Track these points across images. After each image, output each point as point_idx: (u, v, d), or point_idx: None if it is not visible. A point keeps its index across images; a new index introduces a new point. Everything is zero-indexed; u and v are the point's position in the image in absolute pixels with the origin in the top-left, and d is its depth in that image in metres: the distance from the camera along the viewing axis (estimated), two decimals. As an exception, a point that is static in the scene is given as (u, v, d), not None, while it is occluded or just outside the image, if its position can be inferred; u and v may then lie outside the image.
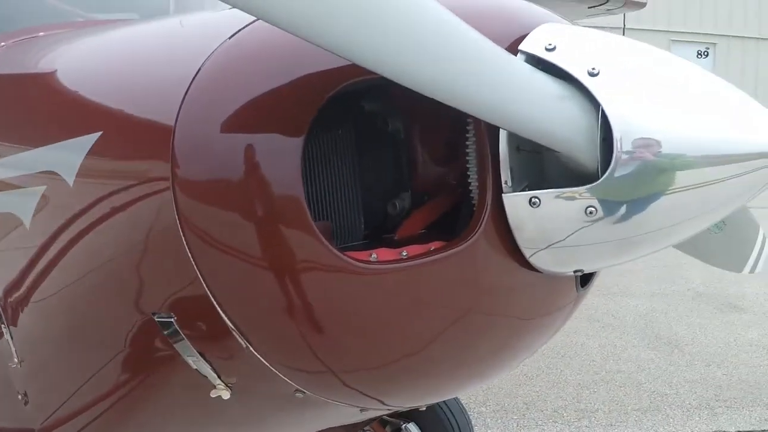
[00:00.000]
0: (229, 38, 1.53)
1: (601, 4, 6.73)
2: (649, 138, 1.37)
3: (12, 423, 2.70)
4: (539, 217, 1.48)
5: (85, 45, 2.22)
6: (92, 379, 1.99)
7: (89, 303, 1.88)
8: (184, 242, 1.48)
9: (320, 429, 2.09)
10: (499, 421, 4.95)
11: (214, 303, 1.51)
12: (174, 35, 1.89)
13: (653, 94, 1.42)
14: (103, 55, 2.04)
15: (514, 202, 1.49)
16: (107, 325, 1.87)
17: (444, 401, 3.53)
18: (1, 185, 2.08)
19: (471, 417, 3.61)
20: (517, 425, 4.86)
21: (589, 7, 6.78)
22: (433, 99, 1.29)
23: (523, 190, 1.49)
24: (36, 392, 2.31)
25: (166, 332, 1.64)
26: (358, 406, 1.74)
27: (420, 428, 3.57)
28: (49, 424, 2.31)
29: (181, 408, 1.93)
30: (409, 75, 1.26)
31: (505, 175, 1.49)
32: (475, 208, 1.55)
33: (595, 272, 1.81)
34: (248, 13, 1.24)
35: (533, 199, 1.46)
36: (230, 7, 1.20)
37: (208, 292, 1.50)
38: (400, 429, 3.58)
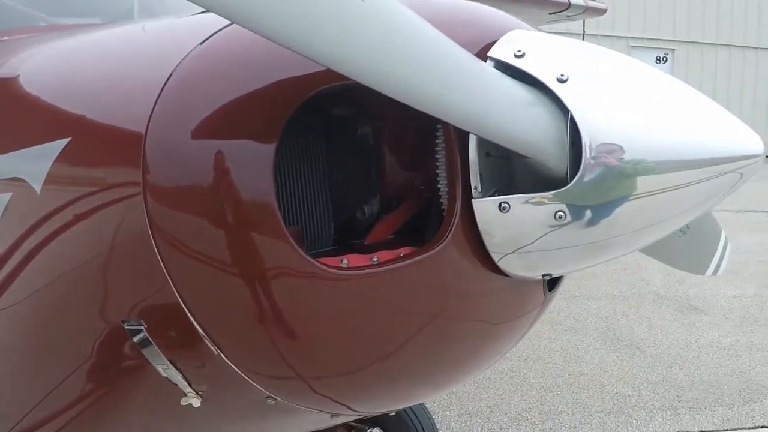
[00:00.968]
0: (201, 44, 1.53)
1: (561, 11, 6.79)
2: (613, 143, 1.39)
3: None
4: (509, 222, 1.49)
5: (51, 49, 2.20)
6: (58, 389, 1.96)
7: (56, 311, 1.85)
8: (155, 248, 1.46)
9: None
10: (464, 425, 4.96)
11: (185, 310, 1.50)
12: (144, 40, 1.88)
13: (619, 100, 1.44)
14: (71, 60, 2.02)
15: (484, 208, 1.50)
16: (75, 334, 1.85)
17: (409, 407, 3.56)
18: None
19: (435, 421, 3.62)
20: (482, 428, 4.87)
21: (550, 14, 6.84)
22: (402, 104, 1.30)
23: (492, 196, 1.50)
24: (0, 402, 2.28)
25: (135, 340, 1.63)
26: (329, 412, 1.74)
27: (385, 432, 3.59)
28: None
29: (150, 416, 1.91)
30: (379, 78, 1.26)
31: (475, 180, 1.50)
32: (444, 214, 1.56)
33: (562, 276, 1.83)
34: (221, 15, 1.23)
35: (503, 204, 1.47)
36: (197, 12, 1.19)
37: (179, 299, 1.49)
38: (365, 433, 3.60)
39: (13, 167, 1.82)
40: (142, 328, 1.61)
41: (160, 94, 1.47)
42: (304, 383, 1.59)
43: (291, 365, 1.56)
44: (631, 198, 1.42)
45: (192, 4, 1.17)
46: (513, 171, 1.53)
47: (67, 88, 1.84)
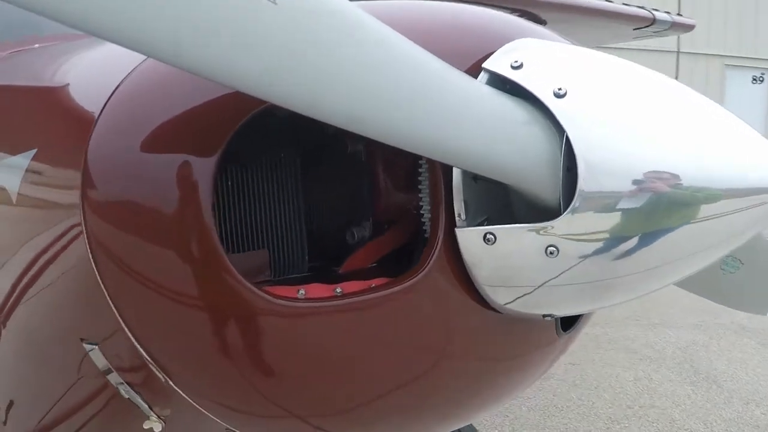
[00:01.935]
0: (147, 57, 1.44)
1: (646, 26, 6.53)
2: (616, 170, 1.21)
3: None
4: (495, 255, 1.32)
5: (22, 62, 2.23)
6: (39, 400, 1.93)
7: (31, 321, 1.82)
8: (95, 267, 1.37)
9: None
10: (525, 454, 4.81)
11: (131, 334, 1.40)
12: (104, 54, 1.79)
13: (624, 119, 1.25)
14: (37, 73, 2.03)
15: (468, 238, 1.34)
16: (48, 347, 1.81)
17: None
18: None
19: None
20: (543, 459, 4.70)
21: (634, 29, 6.59)
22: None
23: (480, 224, 1.34)
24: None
25: (93, 359, 1.56)
26: None
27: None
28: None
29: None
30: (326, 111, 1.07)
31: (459, 207, 1.35)
32: (426, 243, 1.41)
33: (582, 315, 1.66)
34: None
35: (488, 236, 1.31)
36: None
37: (124, 323, 1.39)
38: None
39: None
40: (96, 347, 1.54)
41: (103, 108, 1.39)
42: (259, 419, 1.48)
43: (240, 399, 1.44)
44: (638, 234, 1.23)
45: None
46: (506, 197, 1.36)
47: (34, 99, 1.84)
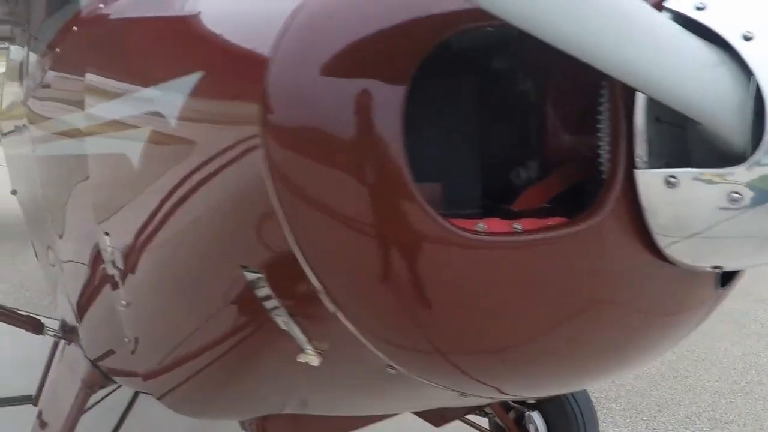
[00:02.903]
0: None
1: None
2: None
3: (120, 365, 2.78)
4: (676, 200, 1.28)
5: None
6: (187, 334, 1.96)
7: (187, 252, 1.82)
8: (275, 193, 1.37)
9: (418, 410, 1.99)
10: (629, 420, 4.80)
11: (304, 261, 1.40)
12: None
13: None
14: None
15: (648, 181, 1.30)
16: (203, 276, 1.82)
17: (572, 393, 3.41)
18: (114, 126, 2.08)
19: (599, 413, 3.49)
20: (647, 427, 4.69)
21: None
22: (570, 56, 1.14)
23: (660, 168, 1.30)
24: (140, 341, 2.34)
25: (254, 288, 1.56)
26: (456, 390, 1.60)
27: (544, 419, 3.48)
28: (150, 372, 2.35)
29: (273, 368, 1.87)
30: (543, 27, 1.10)
31: (641, 148, 1.30)
32: (604, 185, 1.37)
33: (739, 271, 1.59)
34: None
35: (670, 179, 1.26)
36: None
37: (299, 250, 1.39)
38: (524, 416, 3.51)
39: (154, 102, 1.80)
40: (261, 276, 1.54)
41: (286, 28, 1.37)
42: (425, 355, 1.46)
43: (412, 334, 1.42)
44: None
45: None
46: (688, 142, 1.32)
47: (201, 22, 1.77)
